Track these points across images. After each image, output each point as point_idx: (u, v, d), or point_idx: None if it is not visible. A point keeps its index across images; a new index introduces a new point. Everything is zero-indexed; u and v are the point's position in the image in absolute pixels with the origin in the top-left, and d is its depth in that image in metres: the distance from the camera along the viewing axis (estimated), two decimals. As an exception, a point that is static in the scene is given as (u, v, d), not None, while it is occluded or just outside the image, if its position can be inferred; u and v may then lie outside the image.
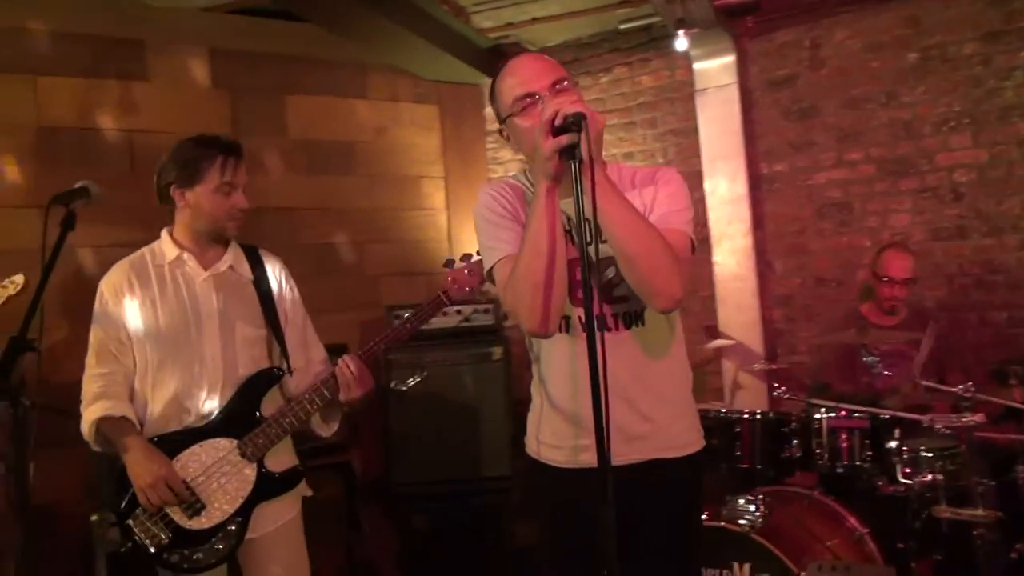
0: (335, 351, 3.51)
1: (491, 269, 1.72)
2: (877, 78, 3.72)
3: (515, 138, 1.70)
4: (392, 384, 3.66)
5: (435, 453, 3.60)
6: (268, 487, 2.11)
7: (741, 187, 4.00)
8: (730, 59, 4.00)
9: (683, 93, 4.18)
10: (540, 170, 1.54)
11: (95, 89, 3.49)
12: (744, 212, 4.00)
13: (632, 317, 1.69)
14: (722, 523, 2.59)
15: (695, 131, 4.11)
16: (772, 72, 3.98)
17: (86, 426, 2.00)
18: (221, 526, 2.05)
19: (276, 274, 2.24)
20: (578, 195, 1.46)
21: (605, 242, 1.59)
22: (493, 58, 4.38)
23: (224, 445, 2.07)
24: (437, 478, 3.59)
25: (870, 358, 3.07)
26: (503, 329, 3.71)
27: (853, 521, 2.78)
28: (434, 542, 3.60)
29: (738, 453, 2.89)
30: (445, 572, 3.58)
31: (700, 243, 4.00)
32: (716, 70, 4.03)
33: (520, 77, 1.67)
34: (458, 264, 2.24)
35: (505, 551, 3.56)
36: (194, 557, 2.03)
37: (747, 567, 2.53)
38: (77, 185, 1.86)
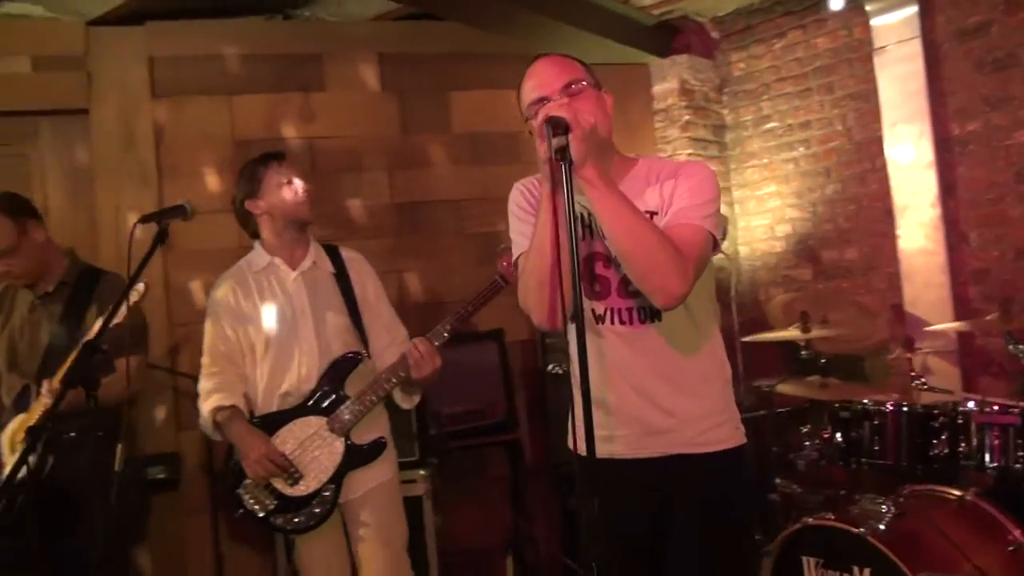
0: (493, 336, 3.72)
1: (515, 262, 1.80)
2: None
3: (535, 140, 1.75)
4: (549, 368, 3.78)
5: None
6: (355, 457, 2.37)
7: (927, 152, 3.61)
8: (912, 10, 3.61)
9: (862, 53, 3.84)
10: (542, 172, 1.60)
11: (280, 103, 3.91)
12: (931, 180, 3.61)
13: (648, 312, 1.69)
14: (841, 524, 2.43)
15: (875, 94, 3.77)
16: (962, 21, 3.54)
17: (204, 417, 2.35)
18: (317, 492, 2.33)
19: (354, 267, 2.47)
20: (569, 195, 1.49)
21: None
22: (662, 35, 4.30)
23: (315, 422, 2.35)
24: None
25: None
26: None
27: (1017, 533, 2.48)
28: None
29: (877, 448, 2.68)
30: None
31: (883, 216, 3.74)
32: (897, 25, 3.66)
33: (535, 81, 1.72)
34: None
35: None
36: (295, 520, 2.33)
37: (867, 572, 2.36)
38: (176, 204, 2.15)
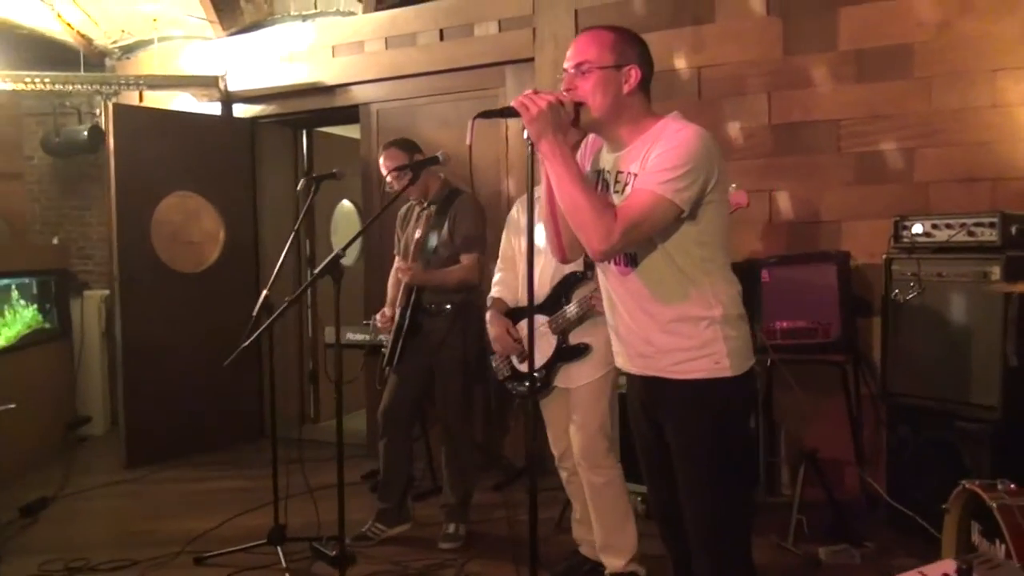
0: (834, 258, 3.83)
1: None
2: None
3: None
4: (894, 294, 3.68)
5: (925, 368, 3.53)
6: (563, 354, 3.04)
7: None
8: None
9: None
10: None
11: (675, 37, 4.41)
12: None
13: (628, 258, 2.02)
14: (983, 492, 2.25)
15: None
16: None
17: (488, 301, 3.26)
18: (537, 371, 3.06)
19: None
20: (530, 166, 2.00)
21: (619, 193, 2.01)
22: None
23: (541, 319, 3.04)
24: (925, 393, 3.52)
25: None
26: (1011, 246, 3.29)
27: None
28: (914, 454, 3.57)
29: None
30: (923, 485, 3.53)
31: None
32: None
33: (567, 55, 2.10)
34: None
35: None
36: (519, 388, 3.13)
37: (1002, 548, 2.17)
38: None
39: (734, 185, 3.72)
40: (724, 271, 2.02)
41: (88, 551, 3.66)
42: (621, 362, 2.15)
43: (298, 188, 3.46)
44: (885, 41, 3.97)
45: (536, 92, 1.95)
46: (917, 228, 3.59)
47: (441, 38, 5.09)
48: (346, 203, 6.49)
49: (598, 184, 2.09)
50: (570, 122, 1.98)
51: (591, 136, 2.19)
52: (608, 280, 2.11)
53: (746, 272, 3.90)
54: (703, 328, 1.97)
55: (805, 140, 4.17)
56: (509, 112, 1.98)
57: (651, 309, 2.00)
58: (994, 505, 2.17)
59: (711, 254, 1.99)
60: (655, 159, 1.91)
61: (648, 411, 2.10)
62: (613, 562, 3.08)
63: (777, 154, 4.22)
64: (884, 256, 3.68)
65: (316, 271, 2.62)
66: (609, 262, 2.05)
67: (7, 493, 4.53)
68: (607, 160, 2.09)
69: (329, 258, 2.58)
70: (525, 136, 1.97)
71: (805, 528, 3.51)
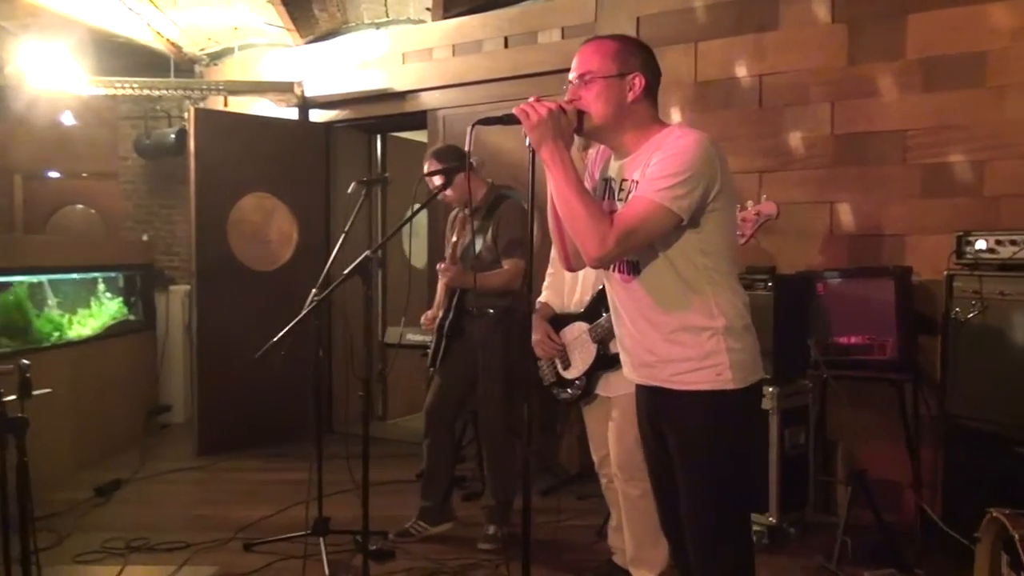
0: (892, 273, 3.72)
1: None
2: None
3: None
4: (954, 313, 3.53)
5: (986, 390, 3.37)
6: (603, 362, 3.04)
7: None
8: None
9: None
10: None
11: (736, 45, 4.35)
12: None
13: (631, 266, 2.02)
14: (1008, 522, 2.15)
15: None
16: None
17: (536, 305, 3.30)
18: (574, 380, 3.10)
19: None
20: (531, 172, 2.04)
21: (622, 200, 2.03)
22: None
23: (582, 327, 3.07)
24: (985, 416, 3.37)
25: None
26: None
27: None
28: (972, 480, 3.42)
29: None
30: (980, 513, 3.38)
31: None
32: None
33: (572, 64, 2.11)
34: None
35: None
36: (562, 395, 3.15)
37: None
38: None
39: (764, 196, 3.67)
40: (728, 280, 1.99)
41: (149, 531, 3.86)
42: (627, 371, 2.15)
43: (348, 191, 3.55)
44: (956, 49, 3.82)
45: (538, 99, 1.98)
46: (980, 244, 3.45)
47: (506, 45, 5.16)
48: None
49: (605, 192, 2.11)
50: (572, 130, 1.99)
51: (603, 145, 2.20)
52: (612, 288, 2.12)
53: (800, 285, 3.83)
54: (705, 338, 1.95)
55: (869, 151, 4.04)
56: (510, 119, 2.01)
57: (653, 318, 2.00)
58: (1016, 536, 2.08)
59: (714, 263, 1.97)
60: (654, 166, 1.91)
61: (653, 422, 2.10)
62: (643, 574, 3.07)
63: (839, 164, 4.11)
64: (945, 272, 3.54)
65: (345, 272, 2.71)
66: (611, 270, 2.06)
67: (88, 473, 4.82)
68: (613, 167, 2.10)
69: (358, 260, 2.67)
70: (527, 143, 2.01)
71: (849, 550, 3.40)
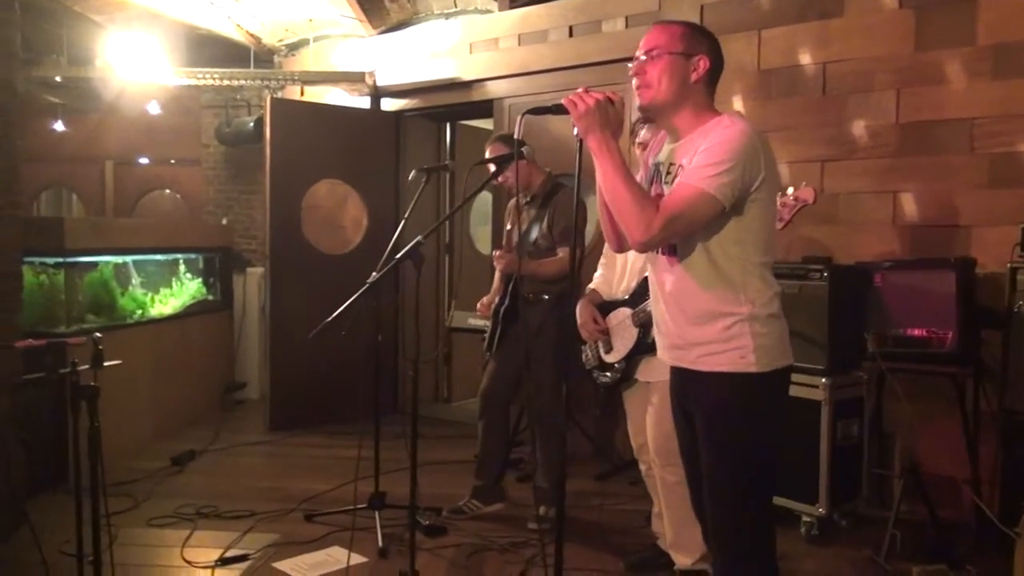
0: (953, 265, 3.67)
1: None
2: None
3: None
4: (1017, 306, 3.44)
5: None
6: (642, 347, 3.07)
7: None
8: None
9: None
10: None
11: (800, 32, 4.30)
12: None
13: (672, 249, 2.06)
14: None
15: None
16: None
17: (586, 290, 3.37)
18: (615, 364, 3.14)
19: None
20: (578, 160, 2.09)
21: (668, 184, 2.07)
22: None
23: (625, 312, 3.11)
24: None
25: None
26: None
27: None
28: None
29: None
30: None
31: None
32: None
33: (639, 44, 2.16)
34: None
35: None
36: (602, 379, 3.19)
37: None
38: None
39: (804, 183, 3.62)
40: (760, 271, 2.02)
41: (218, 500, 4.09)
42: (661, 353, 2.20)
43: (409, 178, 3.67)
44: (1029, 34, 3.70)
45: (586, 90, 2.03)
46: (1047, 236, 3.35)
47: (570, 35, 5.20)
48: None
49: (654, 176, 2.15)
50: (619, 121, 2.04)
51: (661, 132, 2.24)
52: (654, 271, 2.16)
53: (857, 276, 3.79)
54: (730, 323, 1.99)
55: (935, 139, 3.95)
56: (558, 109, 2.07)
57: (684, 301, 2.05)
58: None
59: (748, 253, 2.00)
60: (700, 154, 1.95)
61: (682, 403, 2.15)
62: (682, 559, 3.10)
63: (904, 154, 4.03)
64: (1009, 265, 3.45)
65: (398, 256, 2.81)
66: (657, 252, 2.11)
67: (165, 444, 5.11)
68: (664, 151, 2.14)
69: (410, 245, 2.76)
70: (575, 132, 2.06)
71: (898, 544, 3.37)
